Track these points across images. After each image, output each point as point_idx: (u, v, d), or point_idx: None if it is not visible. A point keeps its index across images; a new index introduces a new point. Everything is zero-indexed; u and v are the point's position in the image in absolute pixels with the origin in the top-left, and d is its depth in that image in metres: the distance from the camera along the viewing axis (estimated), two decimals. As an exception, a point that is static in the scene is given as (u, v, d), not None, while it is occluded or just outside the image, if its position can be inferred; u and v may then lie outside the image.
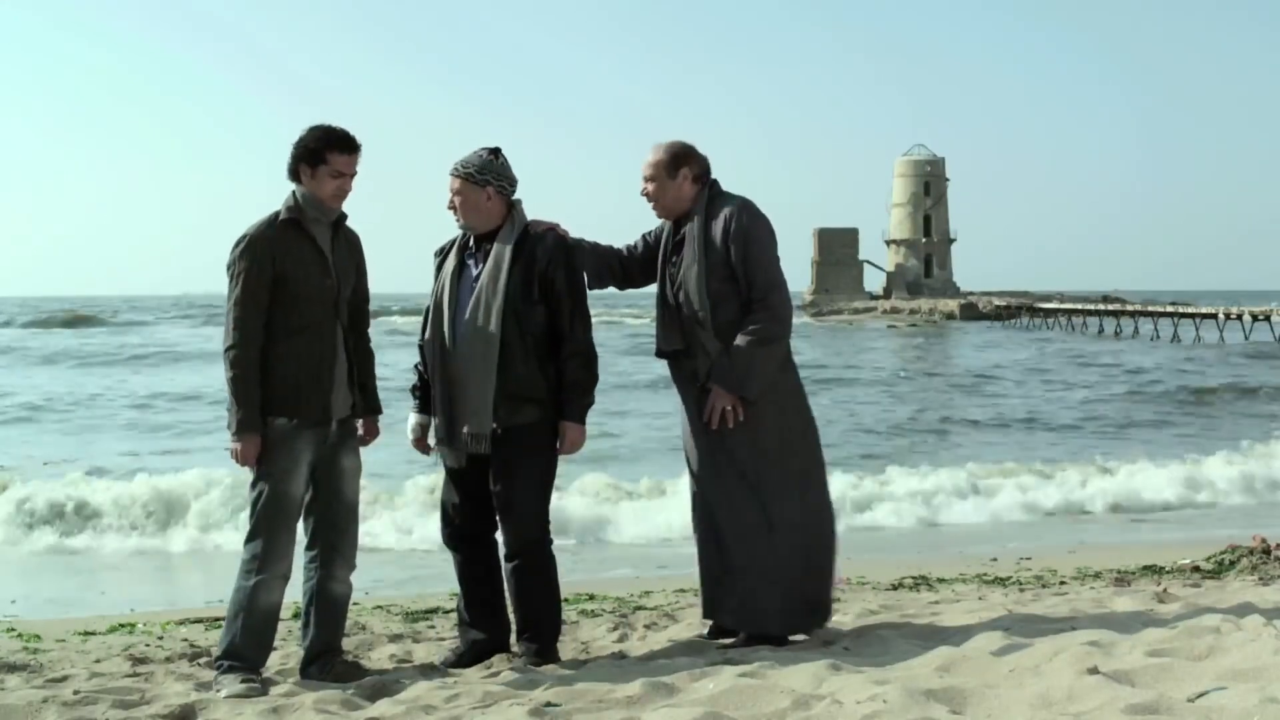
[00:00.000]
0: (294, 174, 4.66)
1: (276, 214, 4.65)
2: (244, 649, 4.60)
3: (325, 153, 4.62)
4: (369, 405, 4.88)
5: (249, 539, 4.64)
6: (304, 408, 4.60)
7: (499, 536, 5.01)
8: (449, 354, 4.87)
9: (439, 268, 5.03)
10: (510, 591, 4.98)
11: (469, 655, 4.98)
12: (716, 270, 4.95)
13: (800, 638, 5.06)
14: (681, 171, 5.06)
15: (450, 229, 5.05)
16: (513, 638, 5.08)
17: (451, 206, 4.92)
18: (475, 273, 4.90)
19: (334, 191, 4.65)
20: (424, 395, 5.01)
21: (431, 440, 5.00)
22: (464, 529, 5.00)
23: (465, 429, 4.82)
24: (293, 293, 4.58)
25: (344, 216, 4.75)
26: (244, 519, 4.81)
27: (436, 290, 4.97)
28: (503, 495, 4.88)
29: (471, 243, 4.96)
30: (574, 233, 5.12)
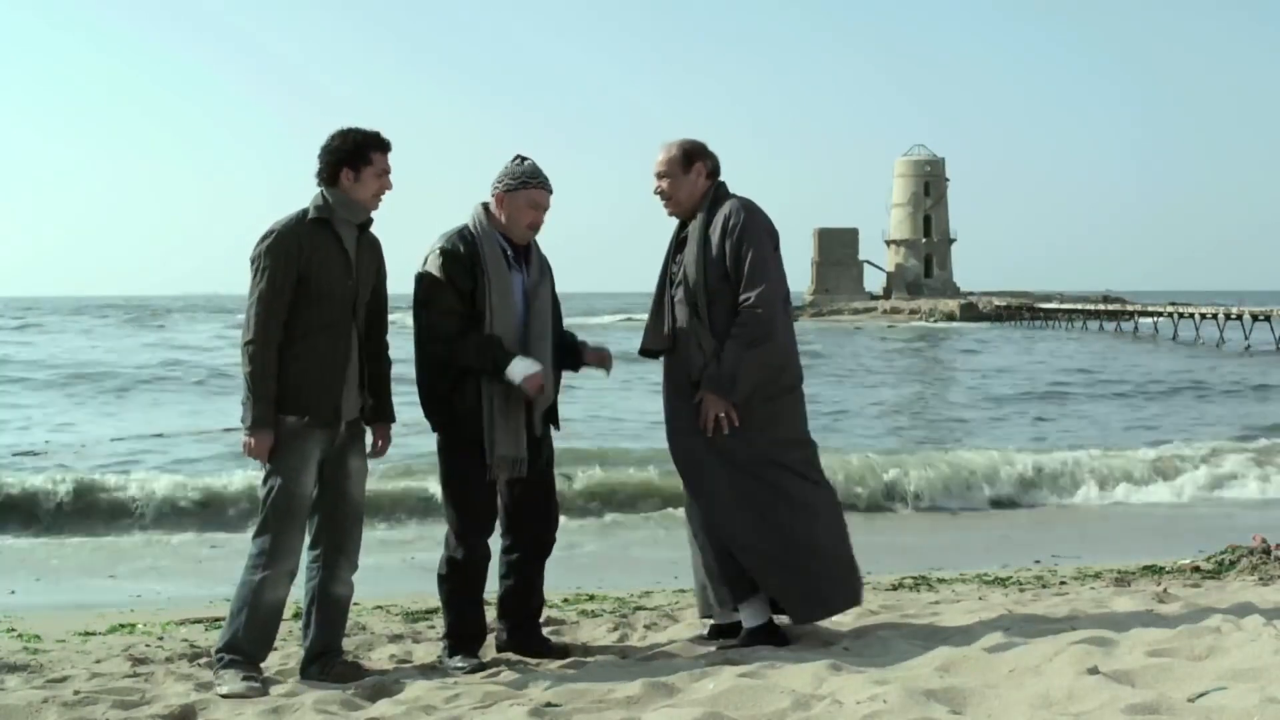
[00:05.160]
0: (331, 178, 4.65)
1: (305, 211, 4.65)
2: (246, 643, 4.60)
3: (369, 153, 4.64)
4: (382, 412, 4.86)
5: (257, 534, 4.65)
6: (316, 407, 4.60)
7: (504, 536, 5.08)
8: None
9: (480, 274, 4.80)
10: (536, 585, 5.10)
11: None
12: (715, 268, 4.94)
13: (800, 637, 5.05)
14: (695, 167, 5.05)
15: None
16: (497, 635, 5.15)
17: (537, 225, 4.94)
18: (521, 279, 4.90)
19: (377, 191, 4.69)
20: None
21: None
22: (489, 536, 5.02)
23: (544, 429, 4.97)
24: (315, 292, 4.58)
25: (370, 220, 4.76)
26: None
27: (506, 299, 4.81)
28: (550, 492, 5.06)
29: (510, 250, 4.91)
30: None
